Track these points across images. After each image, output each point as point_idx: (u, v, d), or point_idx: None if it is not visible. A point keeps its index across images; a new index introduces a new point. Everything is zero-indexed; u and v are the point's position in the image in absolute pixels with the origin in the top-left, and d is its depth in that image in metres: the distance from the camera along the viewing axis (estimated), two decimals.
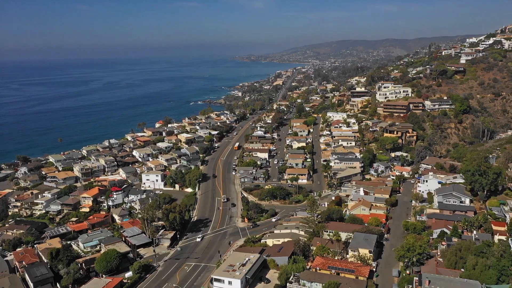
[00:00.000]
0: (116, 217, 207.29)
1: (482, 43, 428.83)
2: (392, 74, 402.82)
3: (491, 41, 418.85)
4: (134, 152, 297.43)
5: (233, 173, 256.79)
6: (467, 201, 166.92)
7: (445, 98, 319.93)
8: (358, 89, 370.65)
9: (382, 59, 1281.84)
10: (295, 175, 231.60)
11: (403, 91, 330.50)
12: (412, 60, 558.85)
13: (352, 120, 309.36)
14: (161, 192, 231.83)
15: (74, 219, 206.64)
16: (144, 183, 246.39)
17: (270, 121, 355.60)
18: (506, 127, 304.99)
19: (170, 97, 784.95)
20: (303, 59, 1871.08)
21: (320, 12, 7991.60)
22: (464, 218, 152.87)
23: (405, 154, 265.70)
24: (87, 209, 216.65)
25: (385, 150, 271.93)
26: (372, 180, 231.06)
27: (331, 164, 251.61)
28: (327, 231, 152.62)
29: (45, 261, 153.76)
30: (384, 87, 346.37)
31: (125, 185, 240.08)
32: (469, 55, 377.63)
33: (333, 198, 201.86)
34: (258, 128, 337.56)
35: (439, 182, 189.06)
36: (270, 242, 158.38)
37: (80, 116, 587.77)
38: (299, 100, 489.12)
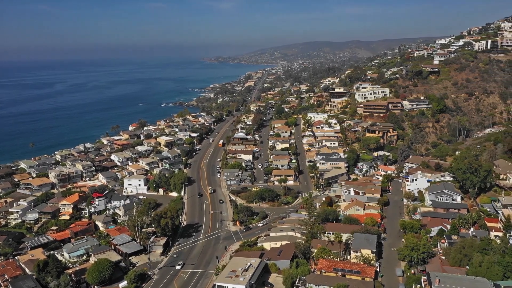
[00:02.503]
0: (99, 224, 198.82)
1: (453, 44, 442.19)
2: (368, 75, 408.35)
3: (461, 42, 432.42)
4: (113, 156, 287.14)
5: (218, 175, 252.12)
6: (459, 199, 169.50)
7: (422, 98, 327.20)
8: (337, 90, 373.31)
9: (349, 60, 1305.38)
10: (282, 177, 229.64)
11: (381, 91, 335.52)
12: (384, 61, 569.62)
13: (334, 121, 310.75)
14: (145, 197, 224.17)
15: (54, 227, 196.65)
16: (126, 188, 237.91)
17: (250, 123, 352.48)
18: (481, 125, 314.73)
19: (140, 99, 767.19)
20: (271, 60, 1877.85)
21: (286, 14, 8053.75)
22: (459, 215, 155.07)
23: (387, 154, 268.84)
24: (67, 217, 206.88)
25: (368, 150, 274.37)
26: (358, 179, 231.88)
27: (317, 164, 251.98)
28: (325, 233, 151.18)
29: (30, 274, 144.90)
30: (363, 88, 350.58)
31: (106, 191, 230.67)
32: (442, 56, 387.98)
33: (324, 199, 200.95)
34: (239, 129, 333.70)
35: (428, 181, 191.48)
36: (267, 245, 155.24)
37: (48, 120, 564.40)
38: (273, 101, 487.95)
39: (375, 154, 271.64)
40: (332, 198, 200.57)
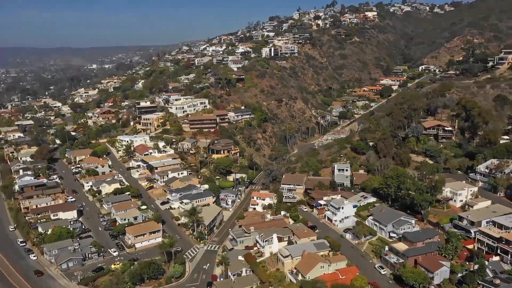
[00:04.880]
0: None
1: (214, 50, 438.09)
2: (170, 85, 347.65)
3: (242, 49, 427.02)
4: None
5: (33, 258, 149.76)
6: (413, 223, 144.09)
7: (243, 107, 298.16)
8: (143, 104, 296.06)
9: (68, 68, 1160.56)
10: (146, 235, 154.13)
11: (201, 103, 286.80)
12: (153, 69, 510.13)
13: (162, 143, 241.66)
14: None
15: None
16: None
17: (31, 159, 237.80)
18: (300, 131, 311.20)
19: None
20: None
21: None
22: (444, 246, 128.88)
23: (244, 175, 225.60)
24: None
25: (221, 174, 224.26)
26: (246, 217, 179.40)
27: (174, 206, 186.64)
28: None
29: None
30: (176, 100, 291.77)
31: None
32: (237, 62, 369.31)
33: (241, 257, 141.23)
34: (20, 172, 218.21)
35: (354, 206, 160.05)
36: None
37: None
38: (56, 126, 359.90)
39: (230, 178, 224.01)
40: (252, 254, 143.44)
